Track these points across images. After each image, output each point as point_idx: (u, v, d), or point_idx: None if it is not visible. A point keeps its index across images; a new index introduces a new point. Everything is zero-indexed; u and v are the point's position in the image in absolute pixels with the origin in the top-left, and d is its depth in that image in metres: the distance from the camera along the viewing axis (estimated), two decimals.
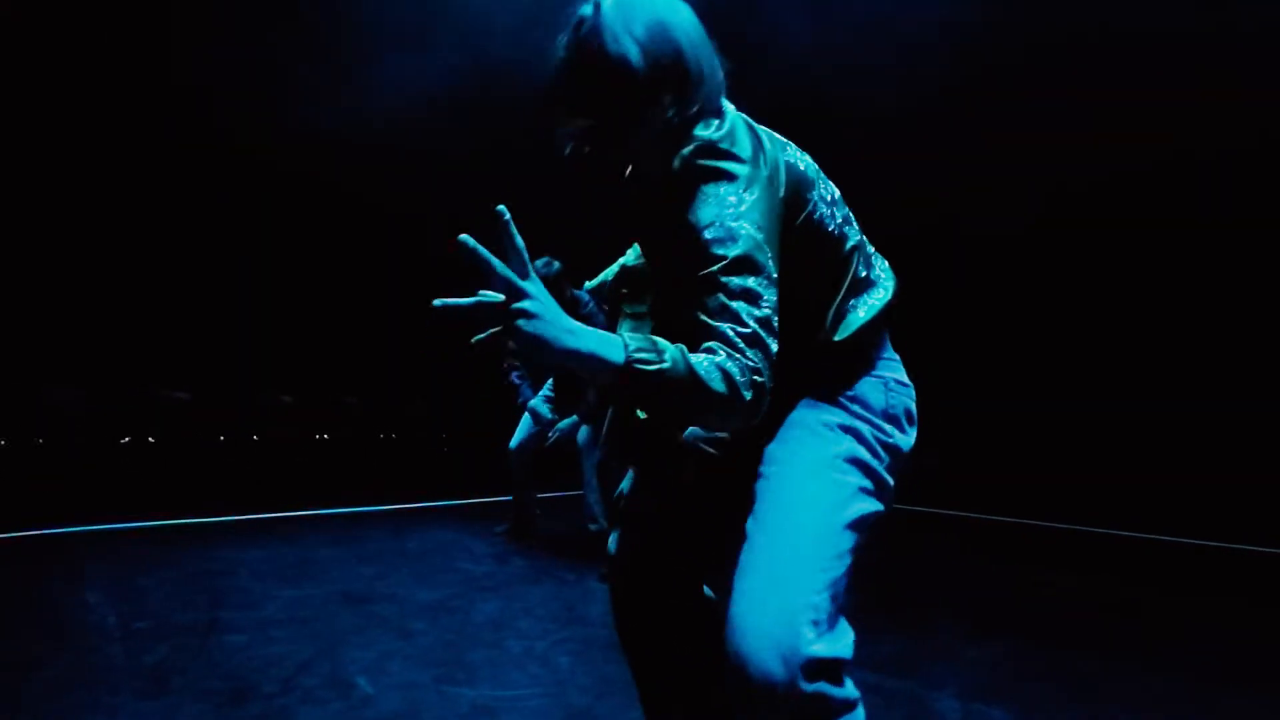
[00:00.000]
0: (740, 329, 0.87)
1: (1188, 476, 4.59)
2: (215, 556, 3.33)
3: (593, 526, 3.55)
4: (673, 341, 0.86)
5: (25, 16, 4.73)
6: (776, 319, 0.91)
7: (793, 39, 5.37)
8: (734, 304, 0.88)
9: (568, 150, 1.10)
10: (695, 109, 1.01)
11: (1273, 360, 4.39)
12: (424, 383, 6.90)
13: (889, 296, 1.13)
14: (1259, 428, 4.42)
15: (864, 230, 1.17)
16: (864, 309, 1.10)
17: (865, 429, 1.05)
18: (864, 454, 1.04)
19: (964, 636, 2.43)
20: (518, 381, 3.92)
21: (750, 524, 1.00)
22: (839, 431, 1.05)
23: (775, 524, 0.98)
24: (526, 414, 3.81)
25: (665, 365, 0.82)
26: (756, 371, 0.86)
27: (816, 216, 1.05)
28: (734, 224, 0.91)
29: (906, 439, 1.10)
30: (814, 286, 1.08)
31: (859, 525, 0.99)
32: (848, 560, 0.97)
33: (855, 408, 1.07)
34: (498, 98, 5.75)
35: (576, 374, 0.89)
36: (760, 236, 0.92)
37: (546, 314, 0.82)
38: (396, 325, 6.48)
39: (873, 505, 1.03)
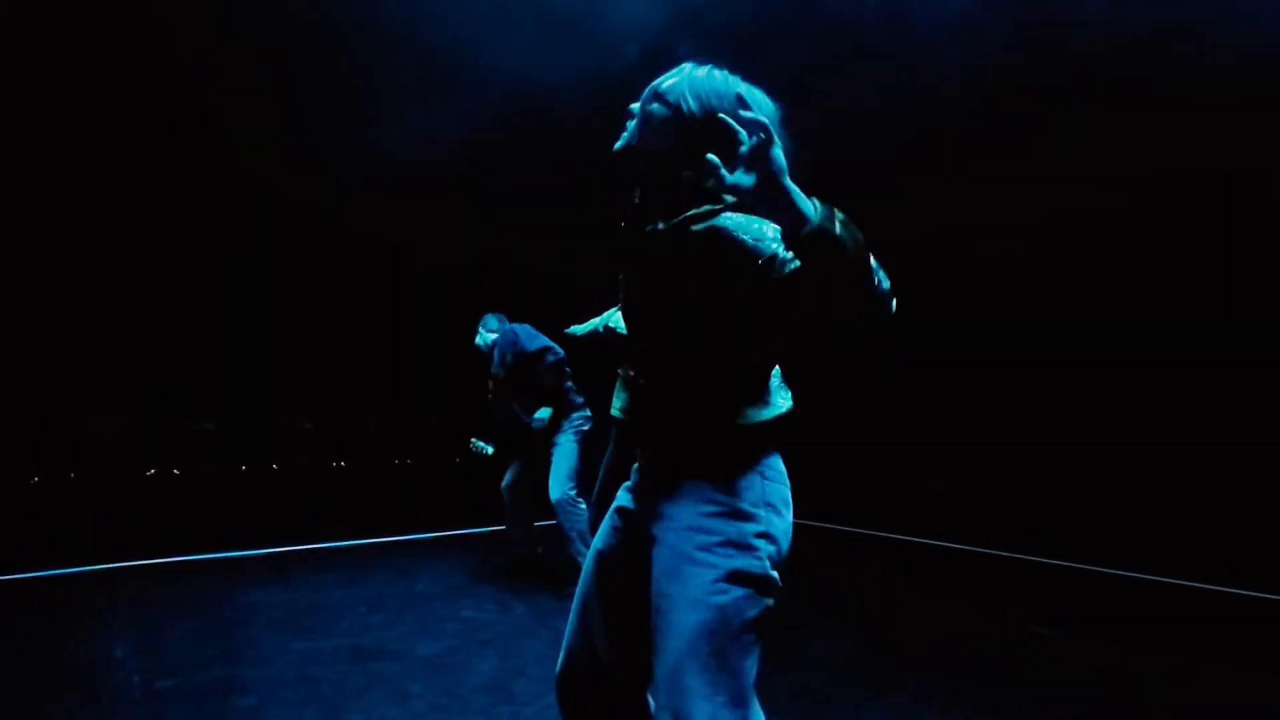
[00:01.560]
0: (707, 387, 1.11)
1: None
2: (234, 601, 3.54)
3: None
4: (651, 374, 1.18)
5: (54, 67, 4.99)
6: None
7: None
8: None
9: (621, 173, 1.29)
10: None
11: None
12: (437, 404, 7.08)
13: (792, 407, 1.27)
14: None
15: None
16: (777, 406, 1.24)
17: (739, 530, 1.16)
18: (742, 563, 1.14)
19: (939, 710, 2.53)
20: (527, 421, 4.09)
21: (655, 661, 1.15)
22: (716, 553, 1.15)
23: (675, 665, 1.11)
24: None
25: (858, 234, 0.97)
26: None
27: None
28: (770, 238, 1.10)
29: (783, 522, 1.21)
30: (761, 361, 1.23)
31: (751, 627, 1.13)
32: (747, 662, 1.13)
33: (732, 502, 1.17)
34: (514, 133, 5.93)
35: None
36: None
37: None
38: (410, 348, 6.69)
39: (758, 606, 1.14)
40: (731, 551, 1.14)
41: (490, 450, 4.18)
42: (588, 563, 1.35)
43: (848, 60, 5.48)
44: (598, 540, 1.35)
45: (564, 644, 1.33)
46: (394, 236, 6.43)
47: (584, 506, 3.83)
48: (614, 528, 1.33)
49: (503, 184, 6.34)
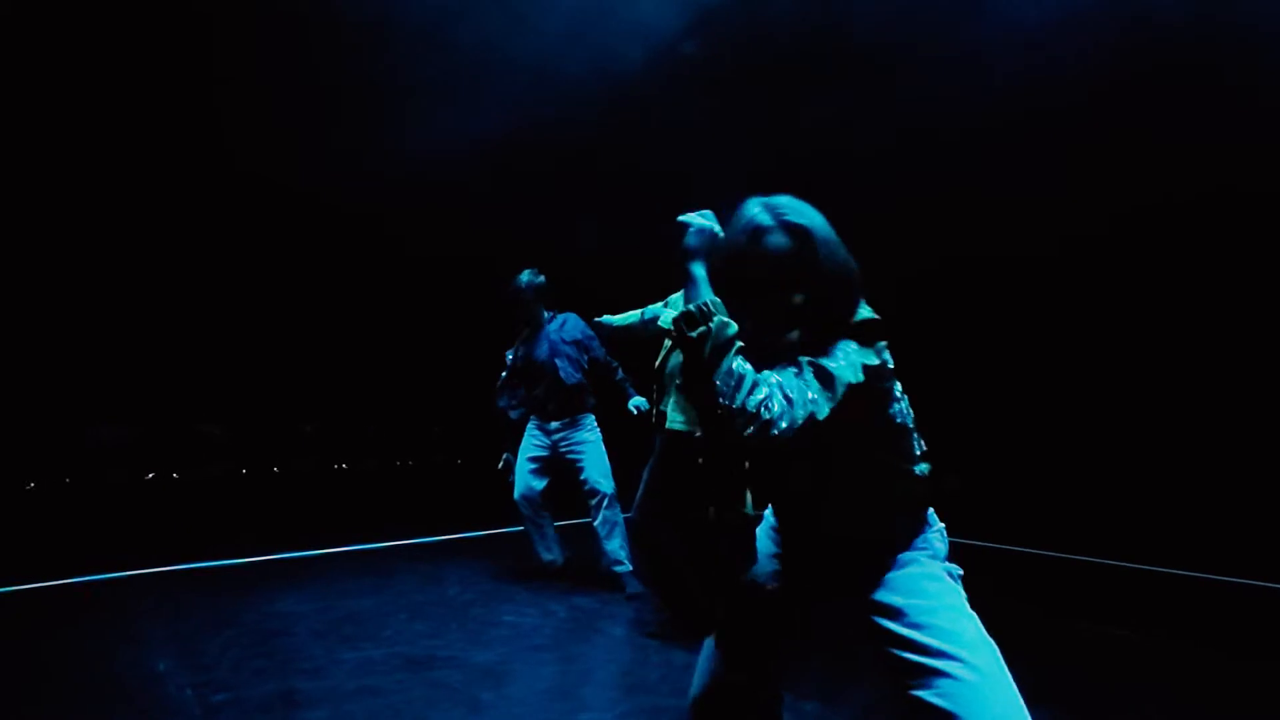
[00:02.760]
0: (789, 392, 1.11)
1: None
2: (267, 610, 3.41)
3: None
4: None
5: (65, 58, 4.78)
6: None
7: None
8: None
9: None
10: (825, 305, 1.20)
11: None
12: (442, 407, 6.96)
13: (929, 466, 1.37)
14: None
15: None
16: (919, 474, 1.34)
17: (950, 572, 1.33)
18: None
19: None
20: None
21: (928, 659, 1.18)
22: (953, 579, 1.31)
23: (976, 658, 1.18)
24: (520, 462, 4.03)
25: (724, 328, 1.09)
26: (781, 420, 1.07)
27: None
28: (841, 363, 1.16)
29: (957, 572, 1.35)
30: (889, 455, 1.31)
31: None
32: None
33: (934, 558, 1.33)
34: (530, 142, 5.86)
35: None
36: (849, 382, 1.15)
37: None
38: (409, 353, 6.56)
39: None
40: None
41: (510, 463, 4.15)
42: (736, 598, 1.44)
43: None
44: (750, 577, 1.42)
45: (707, 669, 1.37)
46: (398, 239, 6.31)
47: None
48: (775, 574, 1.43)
49: (510, 189, 6.26)
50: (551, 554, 4.07)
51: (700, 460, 1.48)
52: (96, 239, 5.34)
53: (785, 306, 1.17)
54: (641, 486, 3.31)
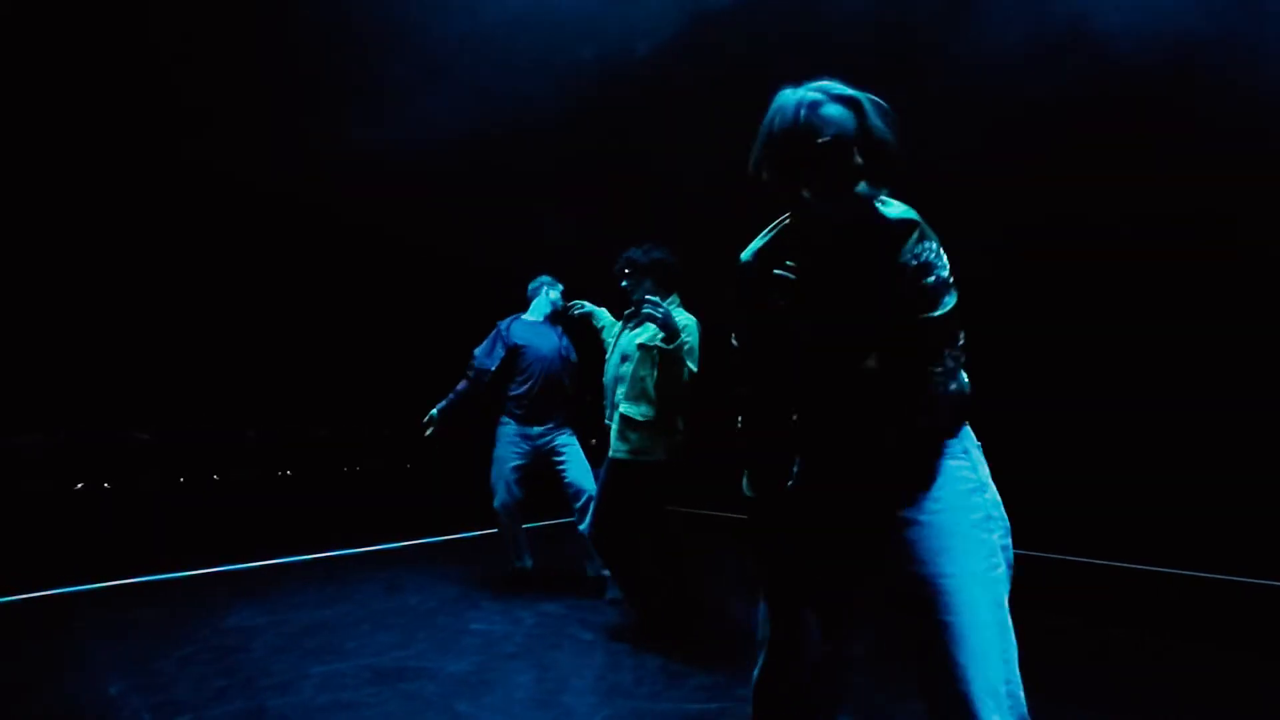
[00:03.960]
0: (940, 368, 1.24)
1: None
2: (221, 625, 3.27)
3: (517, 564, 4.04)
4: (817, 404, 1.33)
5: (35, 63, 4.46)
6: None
7: None
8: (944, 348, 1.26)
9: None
10: (882, 163, 1.29)
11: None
12: (393, 409, 6.80)
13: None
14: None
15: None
16: (964, 380, 1.37)
17: (993, 502, 1.31)
18: (1002, 539, 1.29)
19: None
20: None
21: (946, 638, 1.20)
22: (985, 528, 1.28)
23: (983, 640, 1.20)
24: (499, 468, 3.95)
25: None
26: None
27: None
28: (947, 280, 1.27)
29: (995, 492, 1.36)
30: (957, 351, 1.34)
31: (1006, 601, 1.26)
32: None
33: (979, 476, 1.33)
34: (518, 133, 5.76)
35: None
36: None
37: None
38: (359, 356, 6.39)
39: (1009, 583, 1.28)
40: (994, 526, 1.27)
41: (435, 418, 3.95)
42: (775, 567, 1.39)
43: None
44: (777, 546, 1.37)
45: (764, 649, 1.35)
46: (340, 233, 6.13)
47: None
48: (800, 527, 1.38)
49: (476, 185, 6.16)
50: (523, 560, 4.06)
51: (740, 421, 1.48)
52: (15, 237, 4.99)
53: (849, 167, 1.26)
54: (593, 508, 3.30)
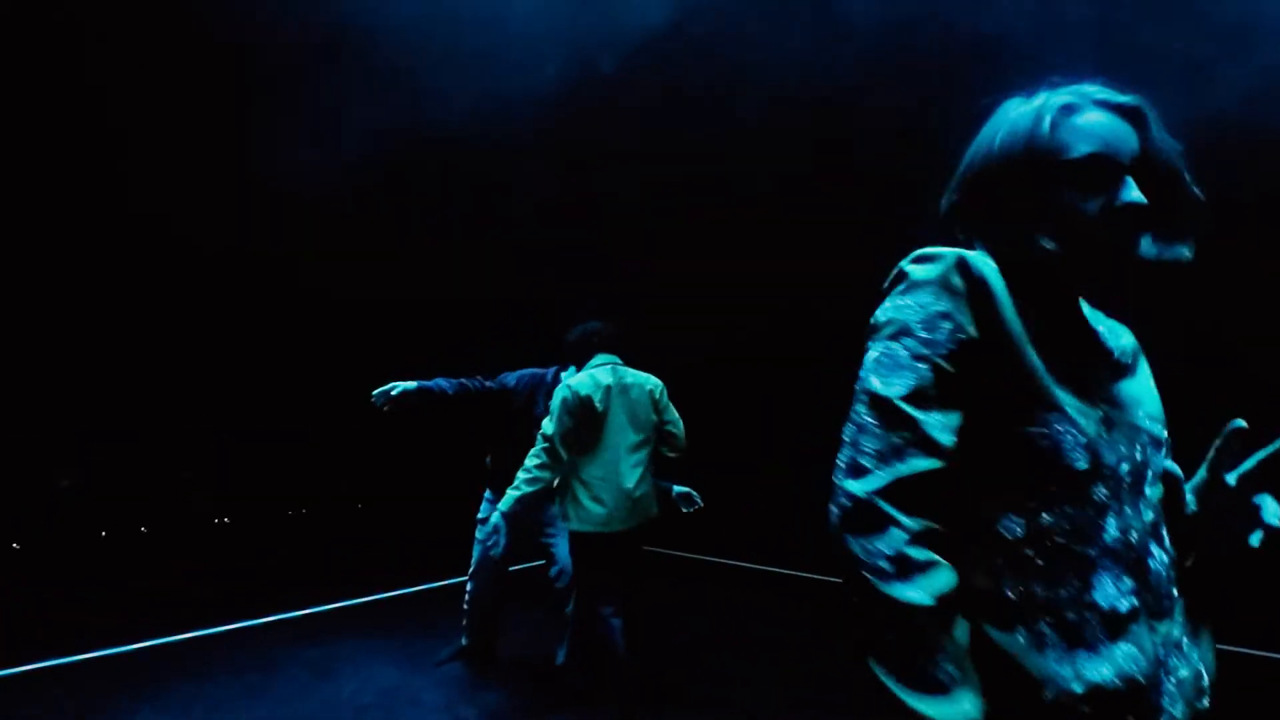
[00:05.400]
0: None
1: None
2: None
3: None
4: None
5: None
6: None
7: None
8: None
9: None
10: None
11: None
12: (350, 447, 6.21)
13: None
14: None
15: None
16: None
17: None
18: None
19: None
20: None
21: None
22: None
23: None
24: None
25: None
26: None
27: None
28: None
29: None
30: None
31: None
32: None
33: None
34: (441, 154, 5.33)
35: None
36: None
37: None
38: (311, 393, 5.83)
39: None
40: None
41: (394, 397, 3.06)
42: None
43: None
44: None
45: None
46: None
47: None
48: None
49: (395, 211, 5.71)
50: (482, 637, 3.54)
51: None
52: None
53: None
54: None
